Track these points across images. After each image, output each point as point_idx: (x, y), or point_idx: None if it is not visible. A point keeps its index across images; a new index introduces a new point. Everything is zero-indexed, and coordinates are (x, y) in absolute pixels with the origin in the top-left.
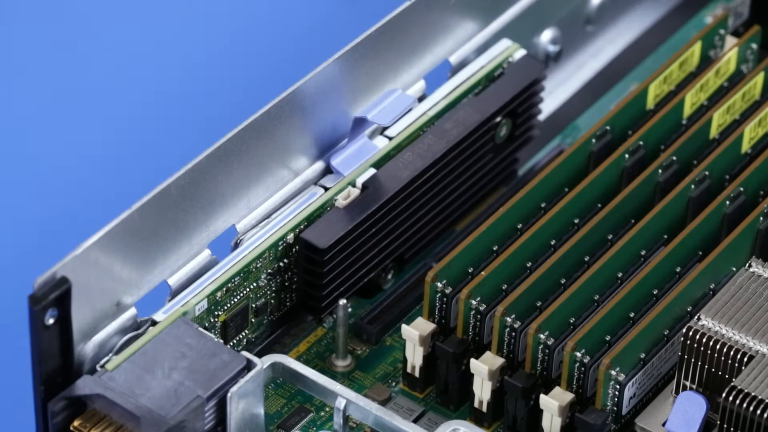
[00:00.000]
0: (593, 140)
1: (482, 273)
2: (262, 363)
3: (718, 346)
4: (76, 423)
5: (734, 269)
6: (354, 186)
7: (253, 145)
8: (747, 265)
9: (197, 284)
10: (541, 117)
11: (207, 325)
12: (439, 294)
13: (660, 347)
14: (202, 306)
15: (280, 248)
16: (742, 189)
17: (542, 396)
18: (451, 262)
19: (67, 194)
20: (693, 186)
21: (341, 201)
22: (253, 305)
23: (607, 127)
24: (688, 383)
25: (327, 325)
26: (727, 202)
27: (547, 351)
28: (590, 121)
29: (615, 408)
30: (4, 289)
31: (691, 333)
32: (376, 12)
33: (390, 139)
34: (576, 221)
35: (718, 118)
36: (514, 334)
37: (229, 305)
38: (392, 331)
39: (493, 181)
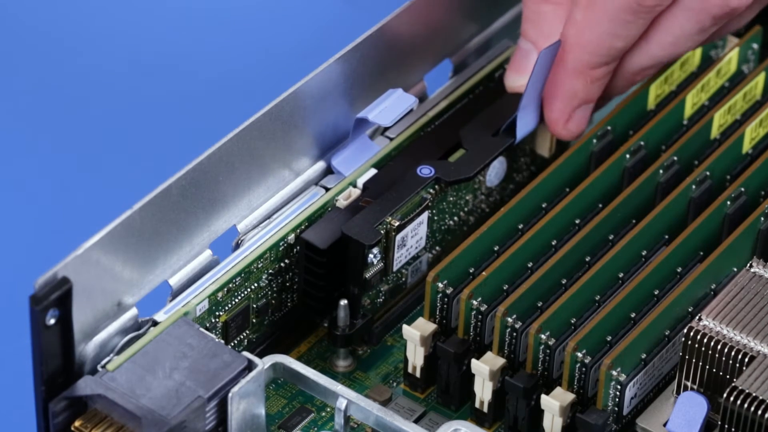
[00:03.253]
0: (594, 140)
1: (483, 273)
2: (263, 363)
3: (719, 347)
4: (77, 423)
5: (735, 270)
6: (355, 186)
7: (254, 146)
8: (748, 265)
9: (198, 284)
10: None
11: (208, 325)
12: (440, 294)
13: (661, 347)
14: (203, 306)
15: (281, 249)
16: (743, 189)
17: (543, 396)
18: (452, 262)
19: (68, 194)
20: (694, 186)
21: (342, 201)
22: (254, 305)
23: (608, 127)
24: (689, 383)
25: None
26: (728, 203)
27: (548, 351)
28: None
29: (616, 408)
30: (4, 289)
31: (692, 333)
32: (377, 12)
33: (391, 139)
34: (577, 221)
35: (719, 119)
36: (515, 334)
37: (230, 305)
38: (393, 332)
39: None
